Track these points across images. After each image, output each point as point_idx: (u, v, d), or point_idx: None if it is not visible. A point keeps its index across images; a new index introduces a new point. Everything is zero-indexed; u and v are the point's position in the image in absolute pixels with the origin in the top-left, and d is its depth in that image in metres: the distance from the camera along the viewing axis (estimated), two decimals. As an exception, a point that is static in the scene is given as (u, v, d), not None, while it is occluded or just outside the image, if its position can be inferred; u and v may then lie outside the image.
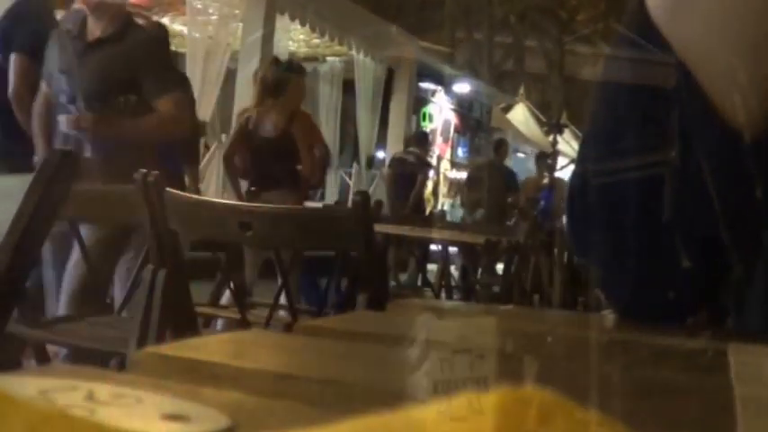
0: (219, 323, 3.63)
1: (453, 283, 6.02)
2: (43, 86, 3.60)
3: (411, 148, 10.16)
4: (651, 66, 0.62)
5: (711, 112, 0.59)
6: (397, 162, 10.06)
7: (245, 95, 9.72)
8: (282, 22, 10.33)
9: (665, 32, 0.60)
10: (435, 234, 4.91)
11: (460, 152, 17.71)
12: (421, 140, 10.45)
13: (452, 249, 6.24)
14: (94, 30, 3.51)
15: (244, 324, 2.87)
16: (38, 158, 3.47)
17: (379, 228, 3.69)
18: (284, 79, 5.14)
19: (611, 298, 0.71)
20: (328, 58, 12.88)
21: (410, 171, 9.59)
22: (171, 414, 0.26)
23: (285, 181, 5.09)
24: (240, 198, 4.97)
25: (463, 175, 13.87)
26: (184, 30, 10.82)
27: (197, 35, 10.08)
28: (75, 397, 0.27)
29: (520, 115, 18.27)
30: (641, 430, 0.22)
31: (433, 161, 15.74)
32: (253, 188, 5.15)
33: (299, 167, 5.13)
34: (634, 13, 0.63)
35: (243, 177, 5.14)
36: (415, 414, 0.20)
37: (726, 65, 0.59)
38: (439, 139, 16.67)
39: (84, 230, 2.94)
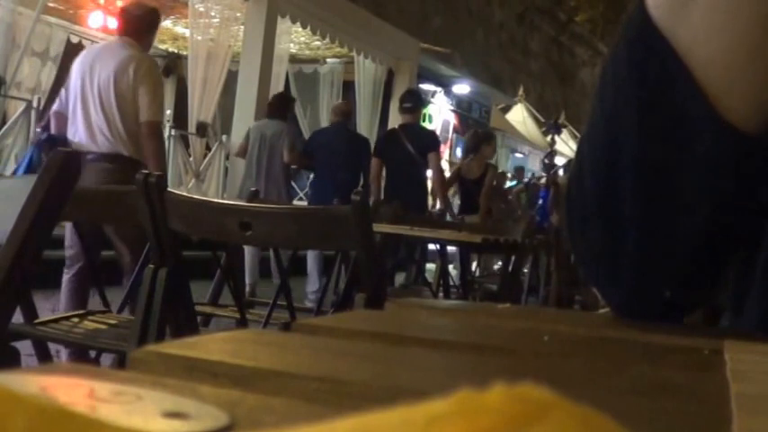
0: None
1: (451, 282, 6.02)
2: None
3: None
4: (650, 66, 0.62)
5: (712, 112, 0.59)
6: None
7: (245, 97, 9.74)
8: (284, 24, 10.32)
9: (664, 32, 0.60)
10: (433, 233, 4.91)
11: (459, 152, 17.71)
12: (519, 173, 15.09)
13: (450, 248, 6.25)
14: None
15: (242, 323, 2.88)
16: None
17: (377, 227, 3.69)
18: (479, 142, 8.89)
19: (608, 296, 0.71)
20: (329, 60, 12.89)
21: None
22: (171, 411, 0.26)
23: (480, 206, 8.68)
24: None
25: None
26: (186, 32, 10.83)
27: (199, 38, 10.09)
28: (75, 394, 0.27)
29: (519, 115, 18.27)
30: (637, 428, 0.22)
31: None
32: (460, 213, 8.82)
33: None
34: (634, 13, 0.63)
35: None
36: (412, 412, 0.20)
37: (728, 64, 0.59)
38: (438, 140, 16.68)
39: None
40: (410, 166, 7.62)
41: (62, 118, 4.65)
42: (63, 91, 4.73)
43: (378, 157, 7.76)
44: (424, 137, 7.89)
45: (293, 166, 7.83)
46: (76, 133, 4.51)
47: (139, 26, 4.64)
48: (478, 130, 10.06)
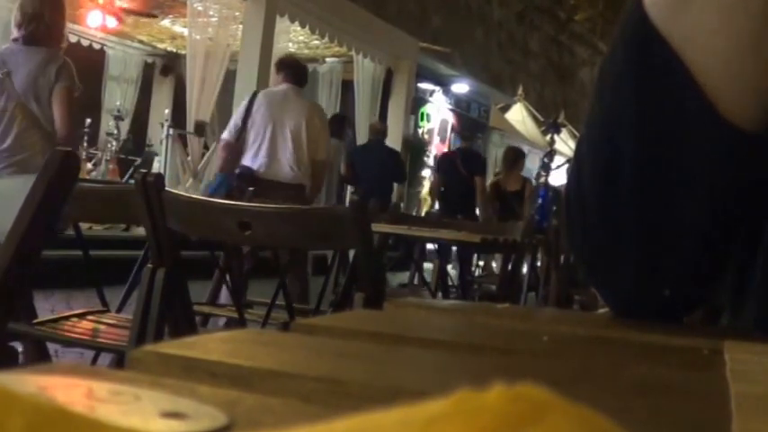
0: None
1: (450, 282, 6.02)
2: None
3: None
4: (648, 65, 0.62)
5: (711, 110, 0.59)
6: None
7: (244, 96, 9.74)
8: (282, 23, 10.31)
9: (662, 30, 0.60)
10: (433, 233, 4.91)
11: (458, 152, 17.71)
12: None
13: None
14: None
15: (241, 323, 2.88)
16: None
17: (376, 227, 3.69)
18: (516, 158, 10.02)
19: (608, 296, 0.71)
20: (327, 59, 12.88)
21: None
22: (169, 411, 0.26)
23: (520, 215, 9.10)
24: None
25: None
26: (185, 31, 10.83)
27: (197, 37, 10.09)
28: (74, 394, 0.27)
29: (518, 115, 18.26)
30: (636, 428, 0.22)
31: (430, 161, 15.81)
32: (500, 219, 9.27)
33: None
34: (631, 12, 0.63)
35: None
36: (411, 412, 0.20)
37: (726, 62, 0.59)
38: (436, 139, 16.67)
39: None
40: (461, 184, 9.63)
41: (234, 147, 5.75)
42: (233, 124, 5.79)
43: (437, 173, 10.36)
44: (474, 160, 10.02)
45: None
46: (261, 164, 5.64)
47: (304, 77, 5.97)
48: (513, 146, 11.61)
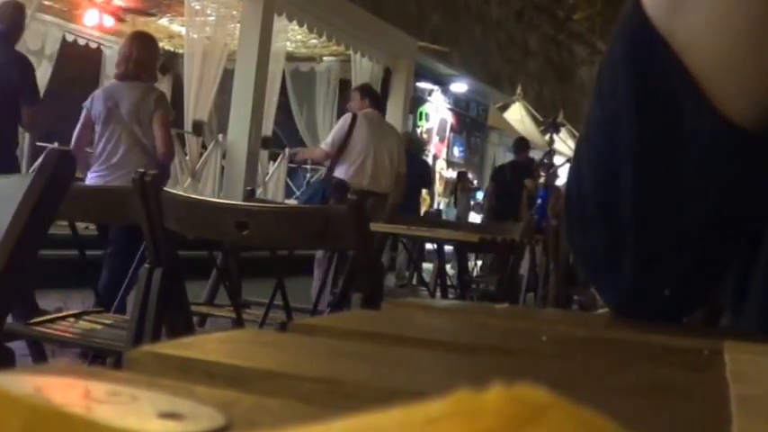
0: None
1: (449, 282, 6.02)
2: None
3: None
4: (647, 65, 0.62)
5: (710, 109, 0.59)
6: None
7: (242, 96, 9.74)
8: (280, 22, 10.31)
9: (661, 29, 0.60)
10: (431, 233, 4.91)
11: (456, 151, 17.73)
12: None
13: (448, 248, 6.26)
14: None
15: (239, 323, 2.87)
16: None
17: (375, 227, 3.69)
18: (532, 165, 11.74)
19: (607, 296, 0.71)
20: (325, 58, 12.89)
21: None
22: (166, 412, 0.26)
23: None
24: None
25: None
26: (183, 30, 10.83)
27: (195, 36, 10.08)
28: (71, 395, 0.27)
29: (517, 114, 18.28)
30: (637, 428, 0.22)
31: (429, 160, 15.85)
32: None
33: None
34: (629, 12, 0.63)
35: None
36: (410, 413, 0.20)
37: (725, 61, 0.59)
38: (435, 139, 16.69)
39: None
40: (509, 191, 10.98)
41: (328, 157, 6.77)
42: (336, 139, 6.66)
43: (492, 182, 11.92)
44: (522, 170, 11.27)
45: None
46: (365, 176, 6.60)
47: (383, 104, 7.11)
48: (532, 158, 12.71)
